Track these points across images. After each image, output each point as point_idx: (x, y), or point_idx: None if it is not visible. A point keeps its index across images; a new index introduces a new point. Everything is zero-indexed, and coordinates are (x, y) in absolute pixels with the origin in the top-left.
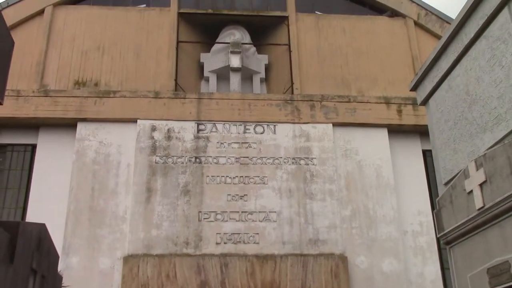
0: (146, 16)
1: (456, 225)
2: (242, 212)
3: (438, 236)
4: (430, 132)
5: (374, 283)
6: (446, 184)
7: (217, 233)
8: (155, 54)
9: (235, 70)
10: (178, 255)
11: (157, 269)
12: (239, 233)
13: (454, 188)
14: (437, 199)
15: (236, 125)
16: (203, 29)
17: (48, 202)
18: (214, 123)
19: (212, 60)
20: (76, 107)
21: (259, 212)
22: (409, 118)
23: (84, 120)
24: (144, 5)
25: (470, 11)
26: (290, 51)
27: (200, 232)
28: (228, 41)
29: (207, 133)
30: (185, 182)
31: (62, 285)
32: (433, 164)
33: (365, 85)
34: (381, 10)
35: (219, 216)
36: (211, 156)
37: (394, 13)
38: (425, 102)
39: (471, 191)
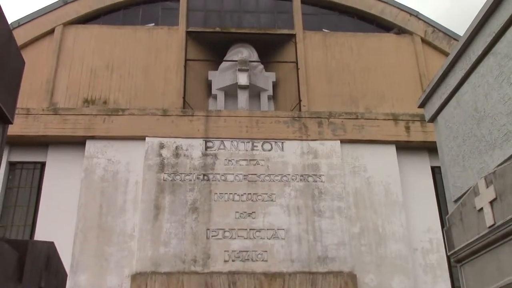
0: (154, 35)
1: (467, 243)
2: (250, 229)
3: (448, 254)
4: (439, 149)
5: None
6: (455, 201)
7: (225, 251)
8: (163, 72)
9: (243, 87)
10: (186, 273)
11: (165, 287)
12: (247, 251)
13: (464, 206)
14: (446, 217)
15: (244, 142)
16: (211, 47)
17: (57, 219)
18: (222, 141)
19: (220, 78)
20: (85, 125)
21: (267, 229)
22: (417, 134)
23: (93, 138)
24: (153, 24)
25: (477, 28)
26: (297, 69)
27: (208, 250)
28: (236, 59)
29: (215, 150)
30: (193, 199)
31: None
32: (442, 181)
33: (373, 102)
34: (388, 27)
35: (227, 234)
36: (219, 173)
37: (401, 30)
38: (433, 119)
39: (481, 208)
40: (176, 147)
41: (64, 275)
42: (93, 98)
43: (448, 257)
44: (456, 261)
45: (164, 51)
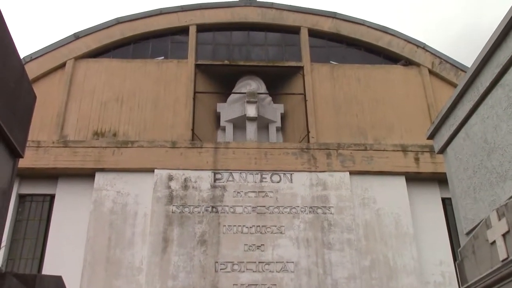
0: (164, 68)
1: (480, 277)
2: (259, 262)
3: None
4: (449, 181)
5: None
6: (467, 234)
7: (234, 284)
8: (172, 105)
9: (251, 119)
10: None
11: None
12: (256, 284)
13: (476, 239)
14: (459, 250)
15: (253, 174)
16: (220, 79)
17: (65, 252)
18: (231, 172)
19: (229, 109)
20: (95, 157)
21: (276, 262)
22: (426, 166)
23: (102, 170)
24: (162, 58)
25: (485, 60)
26: (305, 100)
27: (216, 283)
28: (244, 91)
29: (223, 182)
30: (202, 232)
31: None
32: (453, 212)
33: (382, 133)
34: (396, 59)
35: (236, 267)
36: (227, 206)
37: (408, 62)
38: (442, 150)
39: (494, 241)
40: (185, 179)
41: None
42: (103, 130)
43: None
44: None
45: (173, 83)
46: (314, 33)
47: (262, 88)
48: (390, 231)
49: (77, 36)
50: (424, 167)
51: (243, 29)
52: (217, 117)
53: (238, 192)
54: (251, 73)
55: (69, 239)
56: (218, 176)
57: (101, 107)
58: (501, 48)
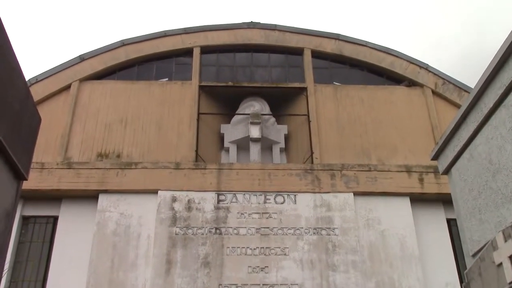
0: (168, 90)
1: None
2: (263, 284)
3: None
4: (454, 202)
5: None
6: (474, 255)
7: None
8: (176, 126)
9: (255, 140)
10: None
11: None
12: None
13: (482, 260)
14: (465, 272)
15: (257, 195)
16: (224, 100)
17: (68, 274)
18: (235, 194)
19: (232, 131)
20: (98, 179)
21: (280, 284)
22: (431, 186)
23: (105, 191)
24: (167, 79)
25: (488, 81)
26: (309, 121)
27: None
28: (248, 112)
29: (227, 203)
30: (205, 253)
31: None
32: (458, 234)
33: (385, 154)
34: (399, 80)
35: None
36: (231, 227)
37: (411, 83)
38: (447, 171)
39: (501, 263)
40: (189, 201)
41: None
42: (107, 152)
43: None
44: None
45: (177, 105)
46: (317, 54)
47: (266, 109)
48: (395, 253)
49: (82, 58)
50: (428, 187)
51: (246, 50)
52: (221, 138)
53: (242, 214)
54: (254, 94)
55: (72, 261)
56: (221, 197)
57: (105, 129)
58: (504, 69)
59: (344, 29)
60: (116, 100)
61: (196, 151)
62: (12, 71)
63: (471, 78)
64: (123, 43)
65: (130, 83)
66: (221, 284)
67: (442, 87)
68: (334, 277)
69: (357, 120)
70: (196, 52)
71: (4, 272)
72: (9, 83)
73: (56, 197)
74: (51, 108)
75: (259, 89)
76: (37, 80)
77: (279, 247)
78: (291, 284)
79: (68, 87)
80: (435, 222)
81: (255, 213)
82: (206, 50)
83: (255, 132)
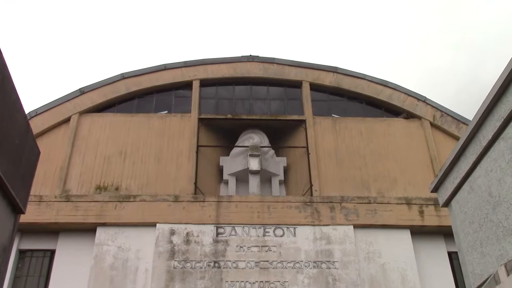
0: (167, 122)
1: None
2: None
3: None
4: (455, 235)
5: None
6: None
7: None
8: (175, 158)
9: (254, 173)
10: None
11: None
12: None
13: None
14: None
15: (256, 228)
16: (223, 133)
17: None
18: (233, 226)
19: (232, 163)
20: (97, 212)
21: None
22: (431, 219)
23: (103, 224)
24: (166, 112)
25: (486, 114)
26: (308, 153)
27: None
28: (247, 145)
29: (226, 236)
30: (204, 287)
31: None
32: (460, 267)
33: (385, 186)
34: (397, 112)
35: None
36: (230, 260)
37: (409, 115)
38: (447, 203)
39: None
40: (187, 234)
41: None
42: (106, 184)
43: None
44: None
45: (177, 137)
46: (315, 87)
47: (265, 141)
48: (396, 286)
49: (82, 91)
50: (429, 220)
51: (245, 83)
52: (220, 170)
53: (241, 247)
54: (253, 126)
55: None
56: (220, 230)
57: (105, 161)
58: (502, 101)
59: (342, 62)
60: (115, 133)
61: (195, 183)
62: (13, 105)
63: (469, 111)
64: (123, 76)
65: (129, 116)
66: None
67: (441, 119)
68: None
69: (356, 152)
70: (196, 85)
71: None
72: (10, 118)
73: (54, 230)
74: (50, 141)
75: (258, 122)
76: (37, 113)
77: (279, 281)
78: None
79: (67, 119)
80: (436, 255)
81: (254, 246)
82: (205, 83)
83: (254, 164)
